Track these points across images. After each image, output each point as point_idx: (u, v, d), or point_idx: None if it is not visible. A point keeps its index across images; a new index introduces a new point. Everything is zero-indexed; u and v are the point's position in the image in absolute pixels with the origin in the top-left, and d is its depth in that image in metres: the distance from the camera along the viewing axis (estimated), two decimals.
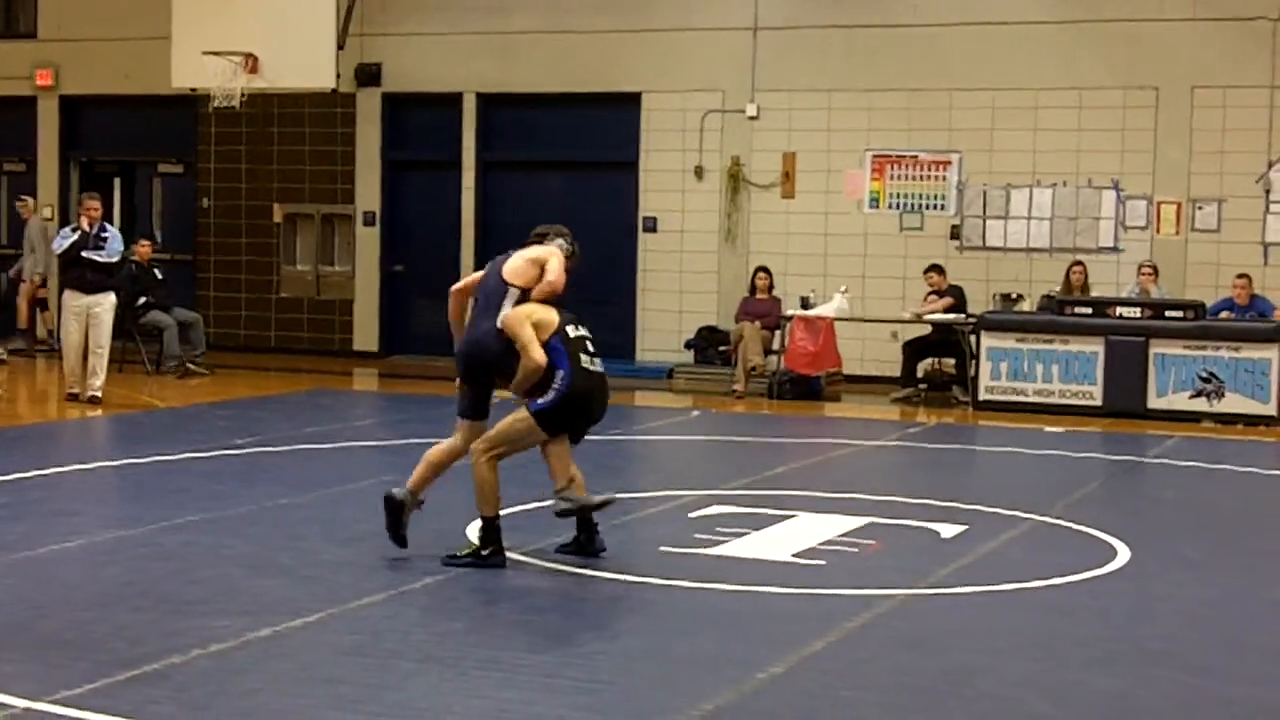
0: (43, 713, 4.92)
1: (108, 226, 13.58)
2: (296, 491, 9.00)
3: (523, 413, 7.06)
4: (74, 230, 13.40)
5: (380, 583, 6.78)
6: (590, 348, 7.18)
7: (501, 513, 7.14)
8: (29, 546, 7.35)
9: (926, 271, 15.12)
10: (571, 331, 7.12)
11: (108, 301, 13.37)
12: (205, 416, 12.73)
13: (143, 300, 15.61)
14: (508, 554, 7.20)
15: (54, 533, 7.68)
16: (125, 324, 15.53)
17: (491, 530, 7.08)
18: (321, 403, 13.98)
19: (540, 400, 7.01)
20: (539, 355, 6.99)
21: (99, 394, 13.16)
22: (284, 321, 18.32)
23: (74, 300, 13.29)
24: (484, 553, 7.07)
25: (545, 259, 7.33)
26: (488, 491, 7.06)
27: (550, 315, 7.12)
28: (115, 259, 13.46)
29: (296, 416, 12.73)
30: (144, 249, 16.00)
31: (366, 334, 18.06)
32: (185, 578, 6.83)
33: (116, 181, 19.36)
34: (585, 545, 7.36)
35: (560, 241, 7.58)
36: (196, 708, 5.03)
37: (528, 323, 7.05)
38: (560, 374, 7.02)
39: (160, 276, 15.96)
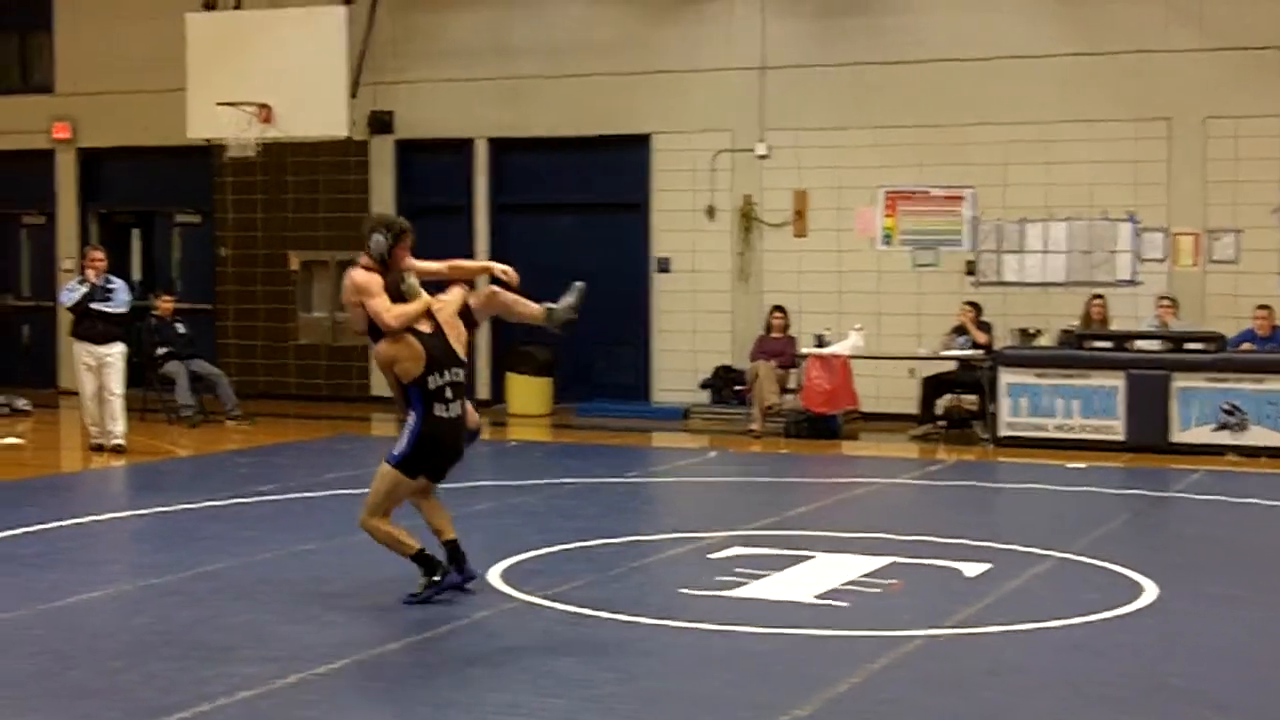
0: None
1: (113, 278, 13.72)
2: (320, 538, 9.02)
3: (383, 468, 7.30)
4: (81, 283, 13.56)
5: (402, 629, 6.79)
6: (449, 394, 7.26)
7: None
8: (59, 596, 7.38)
9: (967, 305, 15.08)
10: (432, 383, 7.23)
11: (118, 349, 13.52)
12: (227, 464, 12.76)
13: (161, 351, 15.72)
14: (527, 598, 7.31)
15: (83, 582, 7.72)
16: (145, 373, 15.63)
17: (425, 561, 7.30)
18: (342, 449, 13.99)
19: (395, 451, 7.26)
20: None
21: (123, 442, 13.27)
22: (302, 368, 18.38)
23: (86, 352, 13.44)
24: (436, 579, 7.27)
25: (359, 299, 7.29)
26: (396, 541, 7.31)
27: (412, 368, 7.24)
28: (124, 309, 13.60)
29: (318, 463, 12.75)
30: (166, 304, 16.10)
31: (384, 379, 18.06)
32: (213, 625, 6.86)
33: (135, 232, 19.50)
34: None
35: (375, 238, 7.15)
36: None
37: (387, 361, 7.33)
38: (413, 417, 7.24)
39: (183, 331, 16.04)
